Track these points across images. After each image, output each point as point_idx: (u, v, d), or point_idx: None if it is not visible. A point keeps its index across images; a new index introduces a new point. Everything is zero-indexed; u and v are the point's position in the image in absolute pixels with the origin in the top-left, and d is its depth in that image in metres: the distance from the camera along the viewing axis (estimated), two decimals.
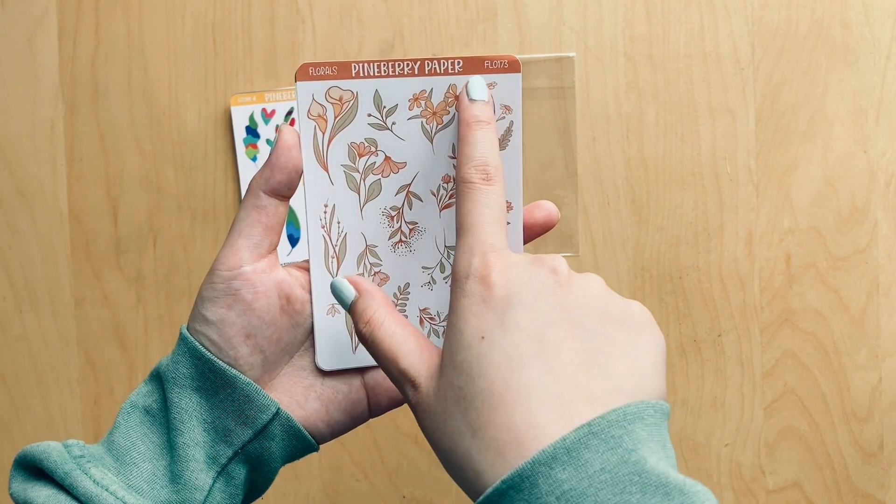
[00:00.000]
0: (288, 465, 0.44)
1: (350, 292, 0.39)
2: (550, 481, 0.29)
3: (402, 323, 0.37)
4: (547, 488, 0.29)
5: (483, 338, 0.33)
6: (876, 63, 0.73)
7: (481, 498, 0.31)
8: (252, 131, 0.73)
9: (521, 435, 0.31)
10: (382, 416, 0.46)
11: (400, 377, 0.36)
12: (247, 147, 0.73)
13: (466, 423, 0.32)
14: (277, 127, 0.73)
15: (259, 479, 0.43)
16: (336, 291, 0.39)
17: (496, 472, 0.31)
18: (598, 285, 0.35)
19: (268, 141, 0.73)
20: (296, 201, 0.65)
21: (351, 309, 0.39)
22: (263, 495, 0.44)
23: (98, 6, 0.73)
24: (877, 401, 0.74)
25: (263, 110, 0.73)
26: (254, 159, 0.73)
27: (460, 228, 0.37)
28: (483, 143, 0.39)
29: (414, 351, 0.36)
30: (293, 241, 0.73)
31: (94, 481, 0.38)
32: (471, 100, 0.40)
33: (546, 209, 0.43)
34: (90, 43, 0.74)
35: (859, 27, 0.73)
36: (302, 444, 0.42)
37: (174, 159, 0.74)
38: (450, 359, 0.34)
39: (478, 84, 0.40)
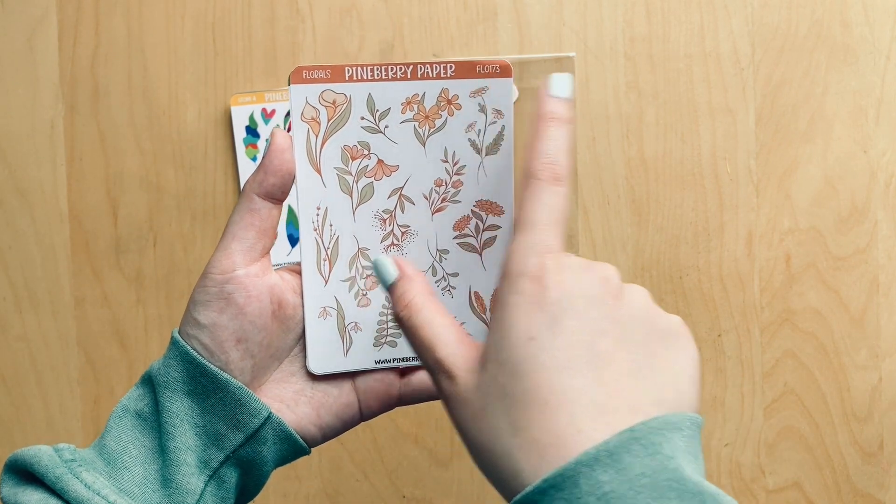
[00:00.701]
0: (288, 465, 0.44)
1: (392, 272, 0.39)
2: (592, 482, 0.30)
3: (442, 312, 0.37)
4: (588, 489, 0.30)
5: (532, 339, 0.33)
6: (876, 63, 0.73)
7: (520, 496, 0.31)
8: (252, 131, 0.73)
9: (565, 438, 0.31)
10: (383, 416, 0.46)
11: (436, 367, 0.36)
12: (247, 147, 0.73)
13: (508, 421, 0.32)
14: (278, 127, 0.73)
15: (250, 483, 0.43)
16: (378, 268, 0.39)
17: (536, 472, 0.31)
18: (644, 298, 0.35)
19: (268, 141, 0.73)
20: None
21: (390, 290, 0.39)
22: (256, 498, 0.44)
23: (98, 6, 0.73)
24: (877, 401, 0.74)
25: (263, 110, 0.73)
26: (254, 159, 0.73)
27: (520, 223, 0.36)
28: (556, 142, 0.37)
29: (452, 342, 0.36)
30: (293, 241, 0.73)
31: (85, 485, 0.38)
32: (551, 95, 0.38)
33: None
34: (90, 43, 0.74)
35: (859, 27, 0.73)
36: (293, 447, 0.42)
37: (174, 159, 0.74)
38: (495, 355, 0.34)
39: (562, 80, 0.39)
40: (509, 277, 0.35)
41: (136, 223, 0.74)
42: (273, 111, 0.73)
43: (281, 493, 0.74)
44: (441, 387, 0.36)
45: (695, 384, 0.34)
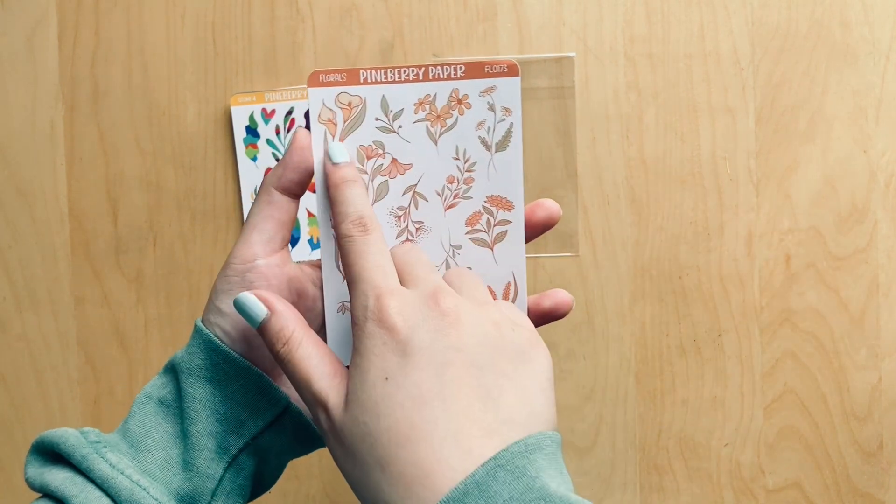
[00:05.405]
0: (288, 465, 0.45)
1: (260, 310, 0.39)
2: None
3: (319, 344, 0.38)
4: None
5: (387, 378, 0.35)
6: (876, 63, 0.73)
7: None
8: (252, 131, 0.73)
9: (427, 469, 0.33)
10: None
11: (314, 400, 0.37)
12: (247, 147, 0.73)
13: (374, 458, 0.34)
14: (277, 127, 0.73)
15: (267, 472, 0.43)
16: (244, 307, 0.39)
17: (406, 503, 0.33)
18: (489, 320, 0.37)
19: (268, 141, 0.73)
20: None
21: (263, 328, 0.39)
22: (269, 491, 0.45)
23: (98, 6, 0.73)
24: (877, 401, 0.74)
25: (263, 110, 0.73)
26: (254, 159, 0.73)
27: (350, 280, 0.38)
28: (354, 200, 0.40)
29: (328, 375, 0.37)
30: (293, 241, 0.73)
31: (110, 465, 0.39)
32: (334, 163, 0.42)
33: (547, 208, 0.44)
34: (90, 43, 0.74)
35: (859, 27, 0.73)
36: (312, 438, 0.43)
37: (174, 159, 0.74)
38: (355, 396, 0.35)
39: (337, 148, 0.42)
40: (357, 325, 0.36)
41: (136, 223, 0.74)
42: (273, 111, 0.73)
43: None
44: (320, 422, 0.37)
45: (547, 395, 0.36)
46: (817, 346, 0.74)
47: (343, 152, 0.42)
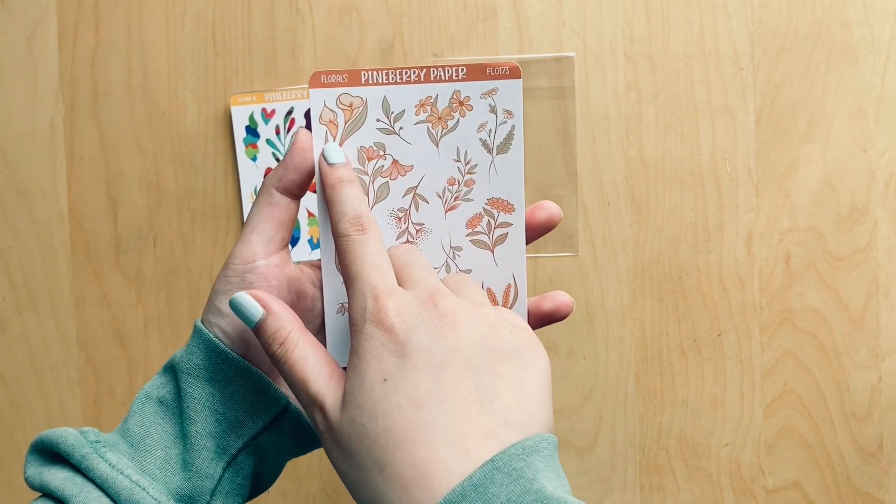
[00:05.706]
0: (288, 465, 0.45)
1: (256, 310, 0.39)
2: None
3: (315, 345, 0.38)
4: None
5: (385, 380, 0.35)
6: (875, 63, 0.73)
7: None
8: (252, 131, 0.73)
9: (425, 470, 0.33)
10: None
11: (310, 401, 0.37)
12: (247, 147, 0.73)
13: (372, 459, 0.34)
14: (277, 127, 0.73)
15: (266, 472, 0.43)
16: (238, 308, 0.39)
17: None
18: (486, 322, 0.37)
19: (268, 141, 0.73)
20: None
21: (259, 328, 0.39)
22: (268, 490, 0.45)
23: (98, 6, 0.73)
24: (876, 401, 0.74)
25: (263, 110, 0.73)
26: (254, 159, 0.73)
27: (348, 280, 0.38)
28: (351, 199, 0.40)
29: (325, 376, 0.37)
30: (293, 241, 0.74)
31: (109, 465, 0.39)
32: (330, 164, 0.41)
33: (548, 210, 0.44)
34: (90, 43, 0.74)
35: (859, 27, 0.73)
36: (310, 438, 0.43)
37: (174, 159, 0.74)
38: (352, 397, 0.35)
39: (333, 149, 0.42)
40: (355, 326, 0.36)
41: (136, 223, 0.74)
42: (273, 111, 0.73)
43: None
44: (316, 422, 0.37)
45: (543, 398, 0.36)
46: (817, 346, 0.74)
47: (339, 153, 0.42)
